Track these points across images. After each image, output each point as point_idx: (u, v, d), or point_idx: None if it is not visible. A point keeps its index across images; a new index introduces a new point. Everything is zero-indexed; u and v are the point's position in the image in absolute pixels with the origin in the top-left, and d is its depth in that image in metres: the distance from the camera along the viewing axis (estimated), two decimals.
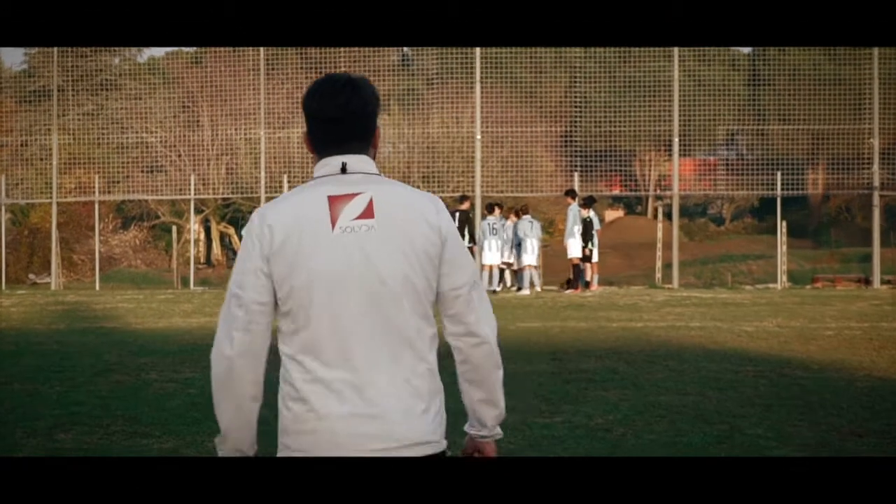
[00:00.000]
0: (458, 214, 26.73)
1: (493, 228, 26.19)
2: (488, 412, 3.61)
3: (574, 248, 25.72)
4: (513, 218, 26.95)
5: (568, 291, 25.85)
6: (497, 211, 26.68)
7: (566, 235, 25.89)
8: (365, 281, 3.32)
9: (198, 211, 38.48)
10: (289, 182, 30.87)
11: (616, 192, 39.88)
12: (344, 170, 3.40)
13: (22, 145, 35.45)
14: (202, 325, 18.32)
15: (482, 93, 31.20)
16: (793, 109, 30.57)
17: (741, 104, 32.92)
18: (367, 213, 3.35)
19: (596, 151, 30.81)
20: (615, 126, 30.81)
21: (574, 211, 25.91)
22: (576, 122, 31.37)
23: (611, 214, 57.90)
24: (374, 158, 3.49)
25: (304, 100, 3.48)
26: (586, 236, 25.80)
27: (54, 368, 13.15)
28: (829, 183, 31.66)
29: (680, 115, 29.91)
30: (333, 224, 3.33)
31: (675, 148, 29.83)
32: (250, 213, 42.44)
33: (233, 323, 3.36)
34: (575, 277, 25.96)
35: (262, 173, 31.21)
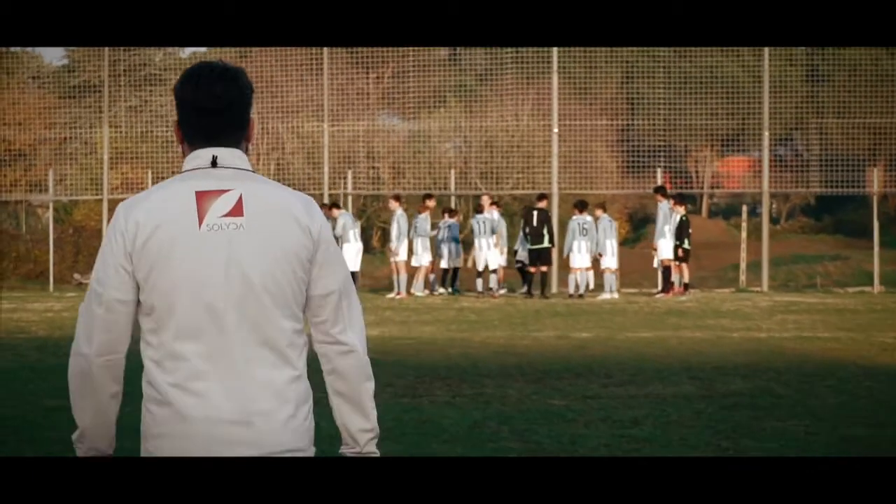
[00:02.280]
0: (536, 213, 25.28)
1: (584, 229, 24.60)
2: (358, 425, 3.43)
3: (665, 248, 24.14)
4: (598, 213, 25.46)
5: (659, 295, 24.27)
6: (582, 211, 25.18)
7: (656, 235, 24.35)
8: (231, 281, 3.22)
9: None
10: (353, 178, 29.51)
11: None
12: (214, 164, 3.28)
13: (63, 141, 34.36)
14: None
15: (538, 87, 29.87)
16: (851, 106, 29.19)
17: (798, 101, 31.56)
18: (236, 210, 3.24)
19: (649, 148, 29.51)
20: (669, 122, 29.42)
21: (664, 209, 24.36)
22: (630, 118, 30.12)
23: None
24: (247, 152, 3.37)
25: (177, 87, 3.33)
26: (680, 235, 24.19)
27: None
28: (888, 180, 30.14)
29: (736, 112, 28.62)
30: (201, 221, 3.22)
31: (766, 142, 28.29)
32: None
33: (93, 321, 3.25)
34: (666, 280, 24.39)
35: (326, 167, 29.87)
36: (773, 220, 60.73)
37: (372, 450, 3.46)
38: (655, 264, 25.45)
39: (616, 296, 24.48)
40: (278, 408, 3.23)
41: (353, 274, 25.27)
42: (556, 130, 28.77)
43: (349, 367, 3.38)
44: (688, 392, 11.44)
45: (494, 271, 24.91)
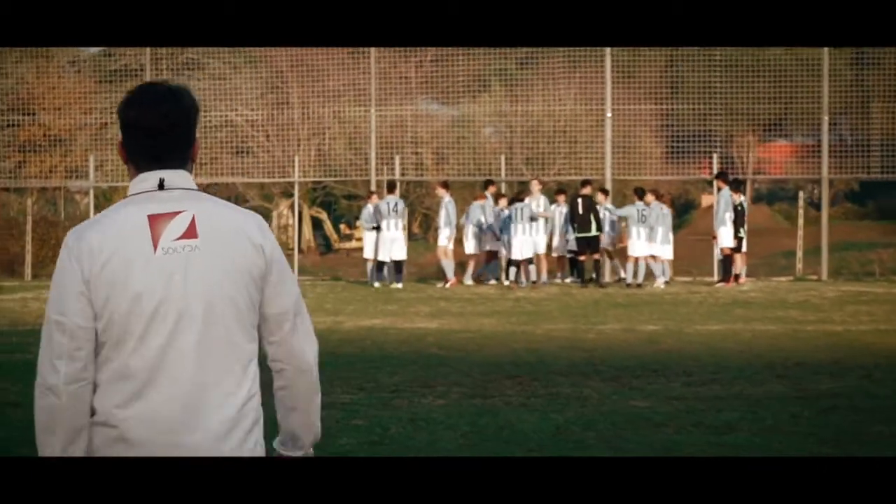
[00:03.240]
0: (580, 200, 24.56)
1: (643, 215, 23.86)
2: (307, 436, 3.50)
3: (725, 237, 23.37)
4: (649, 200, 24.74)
5: (719, 284, 23.52)
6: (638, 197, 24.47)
7: (716, 223, 23.58)
8: (188, 304, 3.22)
9: (287, 195, 36.71)
10: (401, 163, 28.88)
11: (702, 175, 37.55)
12: (162, 186, 3.28)
13: (102, 126, 33.89)
14: (331, 328, 16.23)
15: (584, 72, 29.13)
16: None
17: (844, 86, 30.73)
18: (190, 232, 3.24)
19: (693, 133, 28.80)
20: (712, 107, 28.69)
21: (726, 196, 23.59)
22: (674, 103, 29.42)
23: (707, 199, 55.76)
24: (191, 172, 3.36)
25: (120, 108, 3.33)
26: (738, 224, 23.42)
27: None
28: None
29: (780, 97, 28.04)
30: (155, 245, 3.22)
31: (825, 126, 27.49)
32: (344, 196, 40.87)
33: (56, 350, 3.21)
34: (726, 269, 23.62)
35: (373, 153, 29.23)
36: (817, 206, 59.83)
37: (310, 452, 3.53)
38: (716, 253, 24.69)
39: (662, 285, 23.74)
40: (232, 432, 3.24)
41: (399, 263, 24.65)
42: (609, 115, 28.02)
43: (302, 384, 3.41)
44: (778, 392, 10.76)
45: (530, 261, 24.05)
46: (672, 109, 29.82)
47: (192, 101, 3.35)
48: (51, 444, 3.25)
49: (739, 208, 23.79)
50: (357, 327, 16.41)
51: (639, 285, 23.48)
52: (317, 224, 42.95)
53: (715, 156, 27.72)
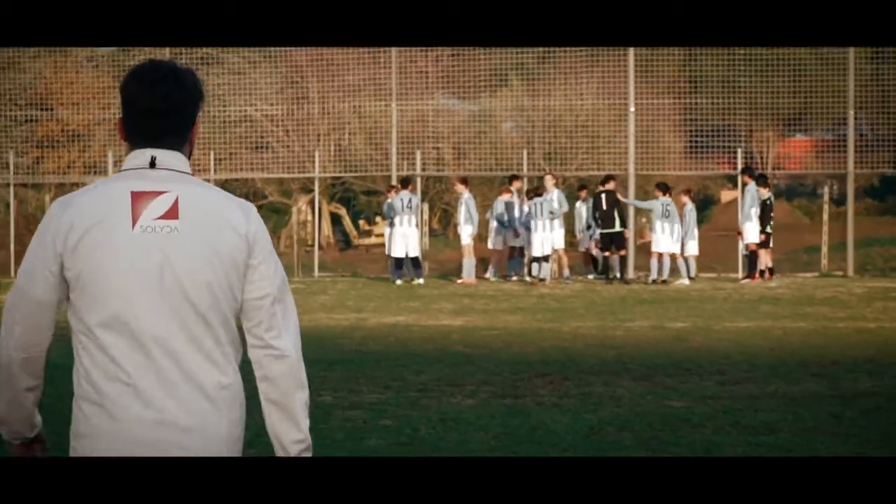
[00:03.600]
0: (604, 196, 24.28)
1: (667, 211, 23.58)
2: (290, 434, 3.35)
3: (751, 232, 23.05)
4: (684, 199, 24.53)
5: (745, 281, 23.21)
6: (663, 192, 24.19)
7: (742, 218, 23.25)
8: (163, 286, 3.17)
9: (306, 190, 36.50)
10: (423, 159, 28.65)
11: (722, 170, 37.34)
12: (153, 164, 3.23)
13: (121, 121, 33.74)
14: (354, 325, 16.03)
15: (604, 66, 28.84)
16: None
17: (864, 81, 30.42)
18: (171, 213, 3.19)
19: (712, 128, 28.47)
20: (732, 102, 28.38)
21: (752, 191, 23.26)
22: (693, 97, 29.15)
23: (726, 195, 55.44)
24: (189, 155, 3.32)
25: (122, 84, 3.27)
26: (765, 219, 23.10)
27: None
28: None
29: (800, 92, 27.77)
30: (134, 222, 3.17)
31: (851, 121, 27.19)
32: (363, 192, 40.65)
33: (15, 315, 3.23)
34: (752, 265, 23.30)
35: (394, 148, 28.99)
36: (837, 202, 59.46)
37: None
38: (741, 249, 24.39)
39: (686, 281, 23.47)
40: (207, 417, 3.20)
41: (414, 259, 24.40)
42: (632, 109, 27.73)
43: (281, 373, 3.31)
44: (815, 391, 10.49)
45: (546, 258, 23.76)
46: (692, 104, 29.54)
47: (195, 83, 3.29)
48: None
49: (768, 202, 23.48)
50: (380, 324, 16.18)
51: (664, 281, 23.19)
52: (335, 220, 42.72)
53: (739, 151, 27.43)
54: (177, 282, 3.17)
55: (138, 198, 3.18)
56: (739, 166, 26.31)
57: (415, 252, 24.48)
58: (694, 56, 30.35)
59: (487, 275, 24.83)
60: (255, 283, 3.27)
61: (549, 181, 24.96)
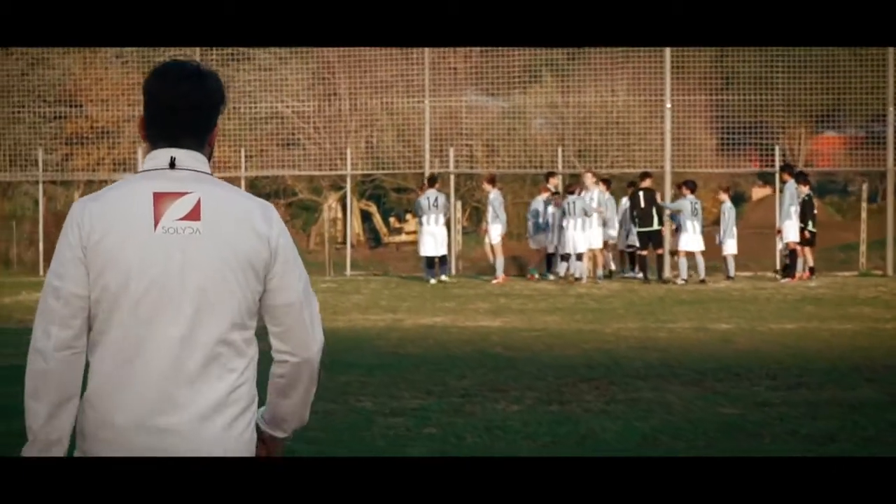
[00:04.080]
0: (642, 194, 23.93)
1: (695, 209, 23.23)
2: (293, 420, 3.42)
3: (790, 230, 22.60)
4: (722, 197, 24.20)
5: (785, 280, 22.80)
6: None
7: (782, 217, 22.82)
8: (182, 287, 3.15)
9: (336, 188, 36.25)
10: (455, 155, 28.34)
11: (755, 168, 36.93)
12: (173, 165, 3.22)
13: None
14: (391, 326, 15.73)
15: (636, 63, 28.48)
16: None
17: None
18: (193, 214, 3.17)
19: (743, 125, 28.06)
20: (764, 98, 27.95)
21: (791, 189, 22.84)
22: (725, 94, 28.74)
23: (757, 192, 54.89)
24: (209, 157, 3.29)
25: (145, 82, 3.28)
26: (805, 217, 22.67)
27: None
28: None
29: (833, 88, 27.46)
30: (156, 223, 3.16)
31: (891, 118, 26.69)
32: (394, 189, 40.36)
33: (50, 316, 3.17)
34: (792, 263, 22.89)
35: (426, 145, 28.72)
36: (871, 199, 58.78)
37: (291, 435, 3.46)
38: (780, 247, 23.97)
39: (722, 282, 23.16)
40: (217, 417, 3.16)
41: (443, 258, 24.12)
42: (668, 105, 27.36)
43: (302, 377, 3.32)
44: (872, 398, 10.12)
45: (579, 256, 23.40)
46: (724, 100, 29.15)
47: (217, 85, 3.28)
48: (35, 411, 3.18)
49: (807, 198, 23.06)
50: (417, 325, 15.87)
51: (702, 281, 22.81)
52: (365, 217, 42.44)
53: (777, 148, 27.03)
54: (195, 284, 3.15)
55: (160, 198, 3.17)
56: (777, 164, 25.90)
57: (442, 251, 24.14)
58: (726, 53, 29.96)
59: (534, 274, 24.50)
60: (279, 290, 3.25)
61: (589, 179, 24.61)
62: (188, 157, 3.23)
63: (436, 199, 24.21)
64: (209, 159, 3.30)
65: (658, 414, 9.48)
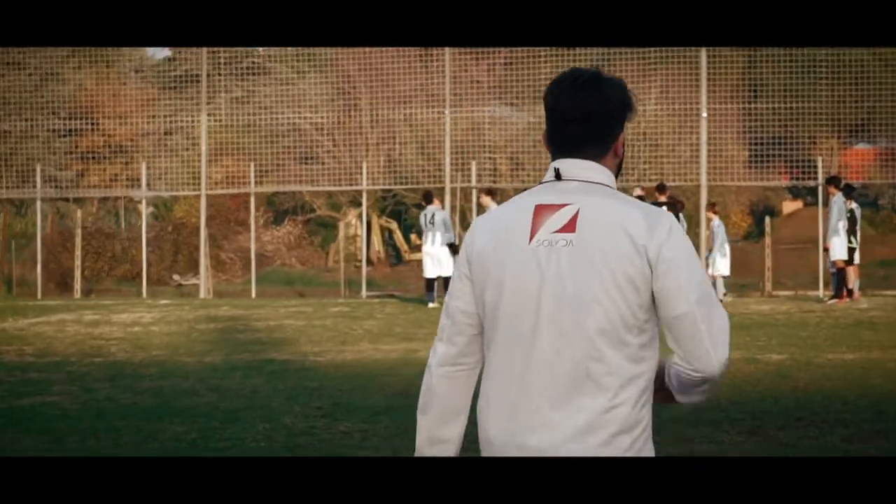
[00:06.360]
0: (664, 209, 22.61)
1: (724, 233, 22.33)
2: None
3: (839, 248, 21.18)
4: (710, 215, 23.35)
5: (831, 301, 21.41)
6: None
7: (830, 233, 21.37)
8: (549, 300, 3.09)
9: (356, 203, 35.17)
10: (477, 170, 27.14)
11: (785, 181, 35.79)
12: (559, 176, 3.18)
13: (166, 133, 32.51)
14: (404, 358, 14.31)
15: (663, 74, 27.33)
16: None
17: None
18: (569, 226, 3.13)
19: (772, 137, 26.83)
20: (794, 108, 26.75)
21: (839, 203, 21.43)
22: (754, 104, 27.61)
23: (788, 206, 53.72)
24: (616, 167, 3.22)
25: (545, 92, 3.30)
26: (850, 232, 21.33)
27: (214, 437, 9.30)
28: None
29: (865, 99, 26.65)
30: (532, 235, 3.15)
31: None
32: (415, 205, 39.23)
33: (440, 333, 3.28)
34: (840, 283, 21.50)
35: (447, 158, 27.54)
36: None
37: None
38: (828, 266, 22.59)
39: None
40: (587, 434, 3.05)
41: (447, 279, 22.75)
42: (704, 115, 26.09)
43: (700, 387, 3.14)
44: None
45: None
46: (755, 109, 28.04)
47: (615, 91, 3.18)
48: (420, 426, 3.31)
49: (849, 215, 21.71)
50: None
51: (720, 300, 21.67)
52: (387, 234, 41.28)
53: (820, 160, 25.81)
54: (566, 298, 3.08)
55: (541, 211, 3.14)
56: (821, 177, 24.58)
57: (441, 271, 22.24)
58: (755, 62, 28.86)
59: None
60: (665, 301, 3.08)
61: (636, 193, 23.35)
62: (576, 167, 3.17)
63: (432, 217, 22.45)
64: (616, 169, 3.21)
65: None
